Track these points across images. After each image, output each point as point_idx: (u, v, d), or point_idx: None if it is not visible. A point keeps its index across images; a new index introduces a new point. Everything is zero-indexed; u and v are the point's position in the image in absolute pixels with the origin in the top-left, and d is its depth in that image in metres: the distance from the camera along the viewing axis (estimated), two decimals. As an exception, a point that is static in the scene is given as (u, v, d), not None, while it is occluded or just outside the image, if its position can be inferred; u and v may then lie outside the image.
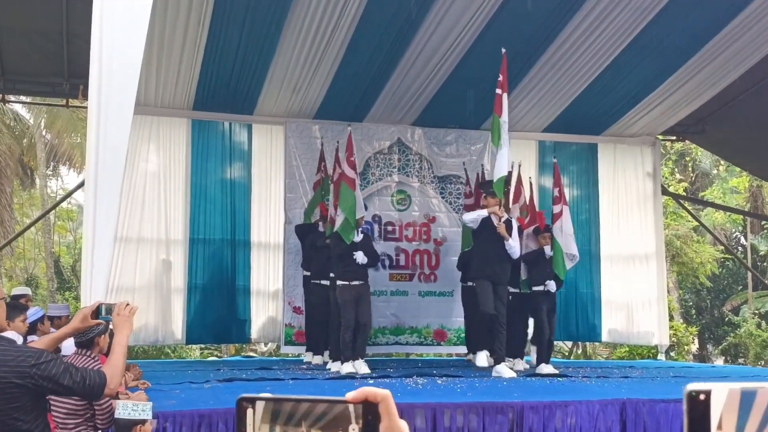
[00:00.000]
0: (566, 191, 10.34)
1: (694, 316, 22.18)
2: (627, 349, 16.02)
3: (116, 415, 4.04)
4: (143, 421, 4.00)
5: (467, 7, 9.02)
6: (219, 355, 18.36)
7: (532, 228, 9.62)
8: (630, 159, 12.79)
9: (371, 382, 7.59)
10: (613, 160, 12.74)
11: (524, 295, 9.37)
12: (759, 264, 22.20)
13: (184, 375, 8.17)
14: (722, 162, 20.89)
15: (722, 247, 19.53)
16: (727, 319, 21.29)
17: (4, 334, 3.18)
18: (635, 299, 12.53)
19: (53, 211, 20.54)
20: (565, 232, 9.13)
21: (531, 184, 10.69)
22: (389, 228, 11.54)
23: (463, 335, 11.09)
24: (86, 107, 5.30)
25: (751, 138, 12.15)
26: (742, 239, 23.60)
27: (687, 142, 15.67)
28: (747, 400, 0.76)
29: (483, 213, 8.54)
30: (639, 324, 12.55)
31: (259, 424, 0.86)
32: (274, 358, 14.23)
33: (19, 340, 5.24)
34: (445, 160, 11.78)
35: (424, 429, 5.73)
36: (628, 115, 11.96)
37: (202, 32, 9.13)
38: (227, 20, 8.99)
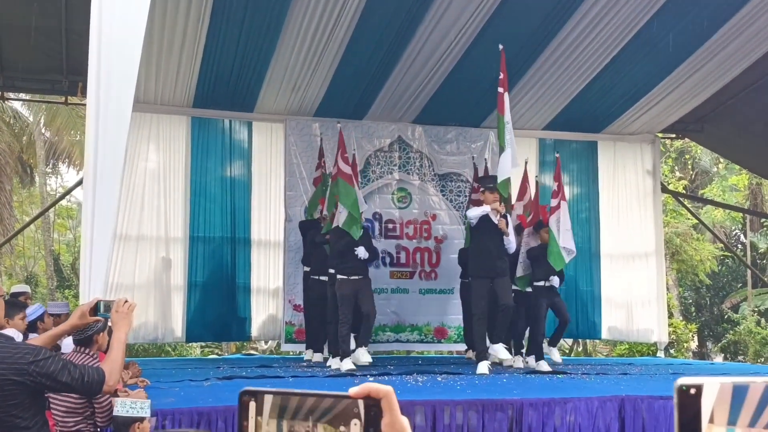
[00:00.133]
0: (566, 189, 10.34)
1: (694, 314, 22.20)
2: (627, 346, 16.03)
3: (115, 413, 4.05)
4: (142, 419, 4.00)
5: (467, 4, 9.02)
6: (220, 353, 18.38)
7: (533, 225, 9.62)
8: (630, 157, 12.79)
9: (371, 379, 7.60)
10: (613, 157, 12.74)
11: (522, 293, 9.38)
12: (758, 261, 22.21)
13: (183, 373, 8.17)
14: (722, 160, 20.89)
15: (722, 245, 19.53)
16: (726, 316, 21.30)
17: (3, 331, 3.18)
18: (635, 297, 12.53)
19: (53, 209, 20.55)
20: (562, 226, 9.13)
21: (537, 182, 10.71)
22: (390, 226, 11.54)
23: (463, 333, 11.09)
24: (85, 105, 5.29)
25: (750, 136, 12.15)
26: (742, 237, 23.61)
27: (686, 140, 15.66)
28: (739, 394, 0.76)
29: (485, 209, 8.56)
30: (638, 321, 12.56)
31: (267, 419, 0.87)
32: (274, 356, 14.23)
33: (19, 337, 5.24)
34: (446, 158, 11.78)
35: (424, 426, 5.73)
36: (628, 113, 11.96)
37: (202, 29, 9.12)
38: (227, 17, 8.98)
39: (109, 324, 3.92)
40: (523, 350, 9.77)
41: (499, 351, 8.62)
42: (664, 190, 14.17)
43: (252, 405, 0.88)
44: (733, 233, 24.25)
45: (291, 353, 11.88)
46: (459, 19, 9.28)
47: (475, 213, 8.74)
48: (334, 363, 8.88)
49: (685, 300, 22.14)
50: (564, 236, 9.08)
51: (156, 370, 8.08)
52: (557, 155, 10.17)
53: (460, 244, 11.10)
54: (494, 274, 8.45)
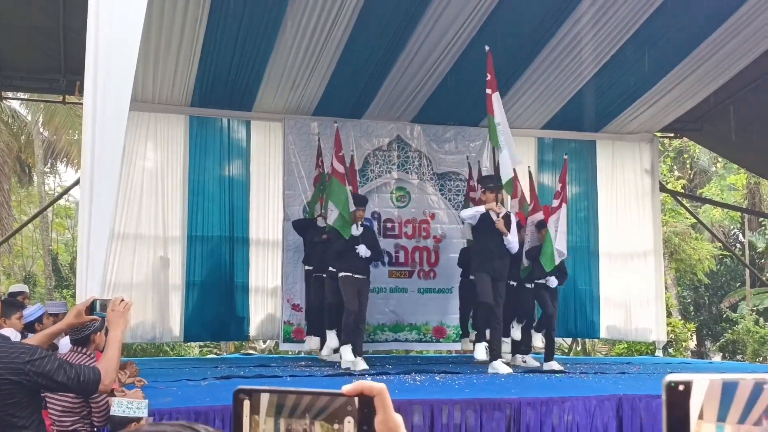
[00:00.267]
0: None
1: (692, 313, 22.20)
2: (625, 345, 16.03)
3: (112, 413, 4.04)
4: (139, 419, 4.00)
5: (465, 3, 9.02)
6: (218, 352, 18.36)
7: (536, 222, 9.60)
8: (628, 156, 12.80)
9: (369, 378, 7.59)
10: (611, 157, 12.74)
11: (526, 289, 9.37)
12: (757, 261, 22.21)
13: (181, 372, 8.17)
14: (720, 159, 20.90)
15: (720, 244, 19.54)
16: (725, 315, 21.31)
17: (0, 331, 3.17)
18: (633, 296, 12.54)
19: (51, 209, 20.55)
20: (559, 228, 9.15)
21: (530, 173, 10.78)
22: (388, 225, 11.53)
23: (459, 327, 11.09)
24: (83, 104, 5.29)
25: (748, 135, 12.15)
26: (740, 236, 23.62)
27: (685, 139, 15.66)
28: (728, 391, 0.76)
29: (481, 209, 8.57)
30: (637, 320, 12.56)
31: (264, 418, 0.88)
32: (273, 355, 14.23)
33: (16, 337, 5.24)
34: (444, 157, 11.78)
35: (422, 426, 5.73)
36: (626, 112, 11.97)
37: (200, 28, 9.12)
38: (225, 16, 8.97)
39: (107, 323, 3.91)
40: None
41: (478, 351, 8.61)
42: (663, 189, 14.18)
43: (246, 403, 0.89)
44: (732, 232, 24.26)
45: (290, 353, 11.88)
46: (457, 18, 9.28)
47: (468, 213, 8.76)
48: (345, 361, 8.67)
49: (683, 299, 22.15)
50: (559, 238, 9.10)
51: (154, 370, 8.07)
52: (566, 157, 10.16)
53: (459, 243, 11.11)
54: (495, 273, 8.46)
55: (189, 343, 16.32)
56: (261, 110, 11.24)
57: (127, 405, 3.98)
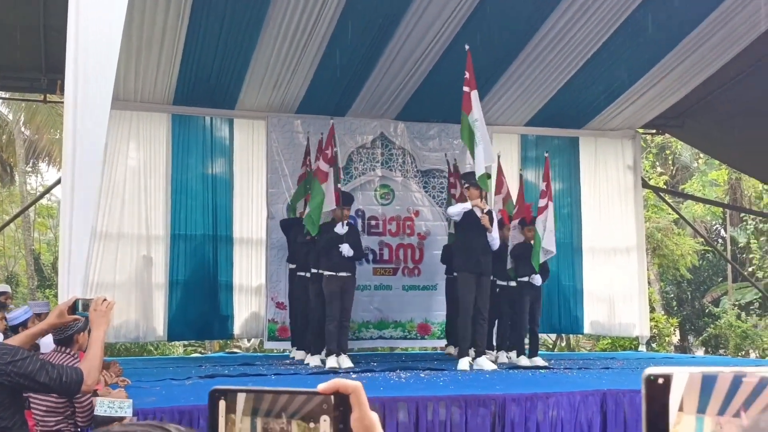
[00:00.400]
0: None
1: (675, 308, 22.35)
2: (609, 340, 16.12)
3: (95, 413, 4.02)
4: (122, 419, 3.98)
5: (448, 1, 9.03)
6: (203, 351, 18.30)
7: (518, 220, 9.66)
8: (611, 152, 12.86)
9: (354, 376, 7.60)
10: (594, 153, 12.79)
11: (510, 287, 9.41)
12: (738, 256, 22.38)
13: (165, 372, 8.13)
14: (702, 155, 21.03)
15: (702, 240, 19.67)
16: (707, 310, 21.46)
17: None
18: (617, 291, 12.61)
19: (33, 208, 20.40)
20: (547, 227, 9.21)
21: (521, 176, 10.82)
22: (372, 222, 11.53)
23: (445, 328, 11.11)
24: (64, 102, 5.25)
25: (729, 131, 12.23)
26: (722, 231, 23.79)
27: (667, 135, 15.77)
28: (708, 383, 0.77)
29: (467, 206, 8.58)
30: (620, 316, 12.63)
31: (240, 417, 0.88)
32: (257, 354, 14.20)
33: (-2, 337, 5.20)
34: (428, 155, 11.79)
35: (407, 423, 5.73)
36: (609, 108, 12.02)
37: (182, 26, 9.07)
38: (207, 13, 8.93)
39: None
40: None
41: (462, 363, 8.55)
42: (645, 185, 14.26)
43: (222, 403, 0.88)
44: (714, 228, 24.43)
45: (274, 351, 11.86)
46: (440, 16, 9.28)
47: (455, 210, 8.76)
48: (312, 360, 8.90)
49: (666, 294, 22.29)
50: (547, 237, 9.15)
51: (138, 370, 8.04)
52: (546, 155, 10.20)
53: (443, 241, 11.12)
54: (479, 270, 8.48)
55: (173, 342, 16.25)
56: (244, 108, 11.20)
57: (109, 404, 3.96)
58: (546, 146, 12.14)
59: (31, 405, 4.25)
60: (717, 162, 19.09)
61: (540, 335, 10.86)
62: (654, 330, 16.60)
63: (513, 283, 9.43)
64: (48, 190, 15.00)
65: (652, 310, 17.20)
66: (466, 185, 8.94)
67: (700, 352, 20.19)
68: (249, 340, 17.63)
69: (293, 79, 10.42)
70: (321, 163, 9.03)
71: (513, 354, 9.46)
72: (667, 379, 0.78)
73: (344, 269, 8.73)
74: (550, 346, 18.42)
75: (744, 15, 9.58)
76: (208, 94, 10.72)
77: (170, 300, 10.89)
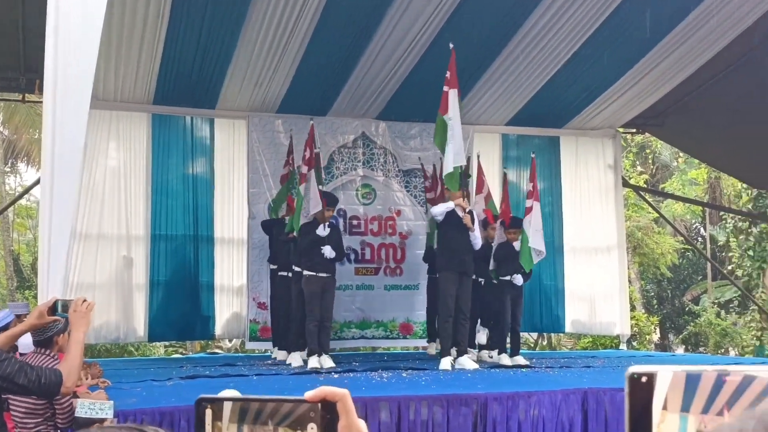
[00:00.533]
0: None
1: (656, 306, 22.50)
2: (590, 339, 16.20)
3: (76, 414, 3.99)
4: (103, 420, 3.95)
5: (429, 0, 9.03)
6: (184, 352, 18.21)
7: (500, 221, 9.69)
8: (591, 152, 12.91)
9: (336, 376, 7.59)
10: (575, 152, 12.84)
11: (492, 286, 9.43)
12: (718, 254, 22.56)
13: (146, 373, 8.09)
14: (681, 154, 21.17)
15: (682, 238, 19.81)
16: (687, 308, 21.62)
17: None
18: (597, 290, 12.66)
19: (12, 209, 20.22)
20: (533, 227, 9.24)
21: (505, 176, 10.88)
22: (354, 222, 11.52)
23: (426, 327, 11.11)
24: (43, 102, 5.21)
25: (708, 130, 12.33)
26: (702, 230, 23.97)
27: (647, 134, 15.86)
28: (692, 382, 0.77)
29: (450, 205, 8.58)
30: (601, 314, 12.69)
31: (227, 424, 0.87)
32: (239, 354, 14.15)
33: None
34: (410, 154, 11.79)
35: (389, 422, 5.73)
36: (589, 108, 12.07)
37: (162, 24, 9.01)
38: (187, 11, 8.88)
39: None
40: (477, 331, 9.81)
41: (443, 363, 8.54)
42: (626, 184, 14.33)
43: (208, 412, 0.88)
44: (693, 226, 24.62)
45: (256, 351, 11.82)
46: (422, 15, 9.29)
47: (439, 210, 8.76)
48: (293, 359, 8.88)
49: (647, 293, 22.43)
50: (534, 237, 9.18)
51: (118, 371, 7.99)
52: (533, 155, 10.22)
53: (425, 240, 11.12)
54: (462, 269, 8.50)
55: (154, 343, 16.16)
56: (225, 108, 11.15)
57: (90, 406, 3.93)
58: (527, 145, 12.19)
59: (11, 407, 4.21)
60: (696, 161, 19.23)
61: (521, 334, 10.90)
62: (634, 328, 16.70)
63: (494, 282, 9.45)
64: (27, 191, 14.86)
65: (633, 308, 17.31)
66: (447, 186, 8.94)
67: (680, 350, 20.34)
68: (230, 341, 17.56)
69: (274, 78, 10.38)
70: (303, 165, 9.03)
71: (495, 353, 9.49)
72: (651, 377, 0.78)
73: (324, 270, 8.71)
74: (532, 345, 18.49)
75: (720, 17, 9.66)
76: (189, 93, 10.66)
77: (151, 301, 10.83)
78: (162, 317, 10.89)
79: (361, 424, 0.89)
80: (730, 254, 20.79)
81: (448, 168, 8.35)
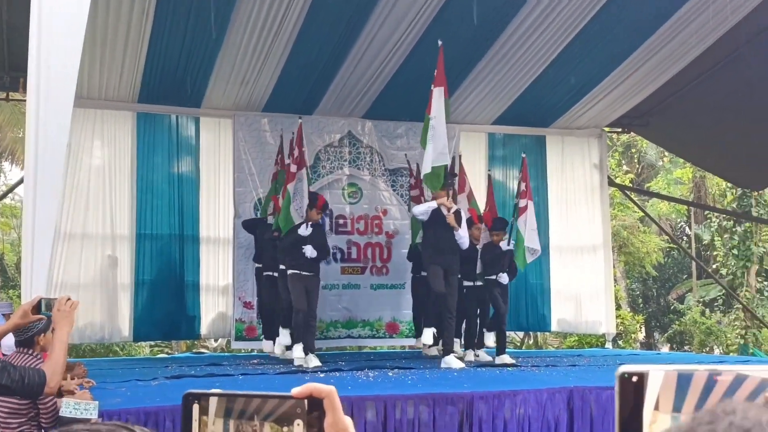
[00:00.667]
0: (515, 183, 10.47)
1: (641, 305, 22.61)
2: (576, 338, 16.25)
3: (60, 414, 3.96)
4: (88, 420, 3.92)
5: (415, 0, 9.03)
6: (169, 352, 18.13)
7: (491, 221, 9.74)
8: (577, 151, 12.95)
9: (322, 375, 7.58)
10: (561, 152, 12.87)
11: (478, 287, 9.45)
12: (703, 253, 22.68)
13: (131, 373, 8.04)
14: (667, 153, 21.27)
15: (667, 237, 19.90)
16: (672, 307, 21.73)
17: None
18: (583, 289, 12.71)
19: (-5, 208, 20.08)
20: (528, 226, 9.29)
21: (489, 176, 10.94)
22: (340, 221, 11.50)
23: (413, 324, 11.12)
24: (27, 100, 5.17)
25: (693, 130, 12.39)
26: (687, 229, 24.08)
27: (633, 134, 15.92)
28: (683, 382, 0.76)
29: (433, 204, 8.59)
30: (587, 313, 12.74)
31: (213, 419, 0.88)
32: (225, 353, 14.11)
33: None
34: (396, 153, 11.78)
35: (375, 422, 5.72)
36: (575, 107, 12.11)
37: (147, 22, 8.97)
38: (172, 9, 8.84)
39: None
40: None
41: (425, 335, 8.66)
42: (611, 183, 14.39)
43: (195, 407, 0.89)
44: (678, 225, 24.73)
45: (242, 351, 11.78)
46: (408, 13, 9.29)
47: (421, 209, 8.77)
48: (297, 358, 8.68)
49: (632, 292, 22.52)
50: (529, 236, 9.21)
51: (103, 371, 7.94)
52: (524, 155, 10.23)
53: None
54: (447, 266, 8.50)
55: (139, 343, 16.08)
56: (210, 106, 11.11)
57: (75, 406, 3.90)
58: (513, 145, 12.22)
59: (-7, 408, 4.17)
60: (681, 160, 19.32)
61: (507, 333, 10.91)
62: (620, 327, 16.77)
63: (480, 283, 9.46)
64: (11, 190, 14.76)
65: (618, 307, 17.39)
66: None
67: (665, 349, 20.43)
68: (216, 340, 17.51)
69: (260, 76, 10.36)
70: (292, 164, 9.01)
71: (481, 351, 9.51)
72: (642, 377, 0.77)
73: (307, 269, 8.70)
74: (518, 344, 18.52)
75: (705, 17, 9.70)
76: (174, 92, 10.61)
77: (136, 300, 10.77)
78: (147, 317, 10.83)
79: (348, 421, 0.89)
80: (715, 253, 20.93)
81: (426, 168, 8.35)
